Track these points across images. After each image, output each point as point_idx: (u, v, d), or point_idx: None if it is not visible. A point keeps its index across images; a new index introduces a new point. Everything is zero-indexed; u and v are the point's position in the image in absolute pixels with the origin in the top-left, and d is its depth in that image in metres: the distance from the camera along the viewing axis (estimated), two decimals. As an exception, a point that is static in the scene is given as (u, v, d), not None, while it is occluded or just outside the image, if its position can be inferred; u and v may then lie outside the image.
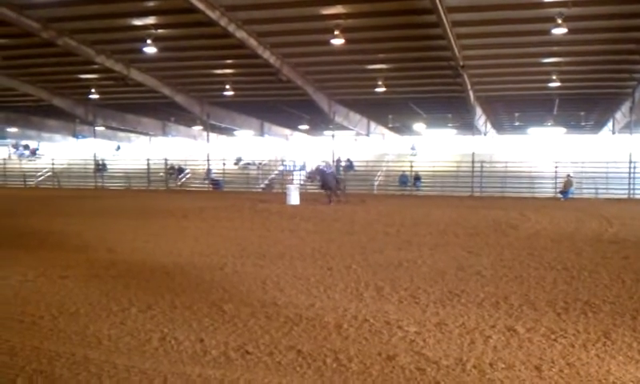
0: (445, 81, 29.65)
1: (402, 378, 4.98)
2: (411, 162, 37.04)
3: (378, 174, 38.07)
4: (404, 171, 36.22)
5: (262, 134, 48.90)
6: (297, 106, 37.73)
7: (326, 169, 24.44)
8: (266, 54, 26.86)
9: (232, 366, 5.26)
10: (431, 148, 43.42)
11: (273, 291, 8.05)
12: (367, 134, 45.65)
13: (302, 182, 34.90)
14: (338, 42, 23.81)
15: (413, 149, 42.34)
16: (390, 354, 5.51)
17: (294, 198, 24.14)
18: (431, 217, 18.67)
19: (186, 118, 43.83)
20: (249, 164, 42.41)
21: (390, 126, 46.17)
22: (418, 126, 44.35)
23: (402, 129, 46.81)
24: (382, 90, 31.80)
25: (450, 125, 43.23)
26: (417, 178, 35.49)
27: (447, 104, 36.80)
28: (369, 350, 5.62)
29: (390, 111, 41.14)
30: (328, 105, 35.51)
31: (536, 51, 25.76)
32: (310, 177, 24.87)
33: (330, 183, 23.99)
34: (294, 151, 45.99)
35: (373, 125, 45.41)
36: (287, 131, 51.40)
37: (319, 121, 40.83)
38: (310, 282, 8.70)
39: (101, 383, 4.87)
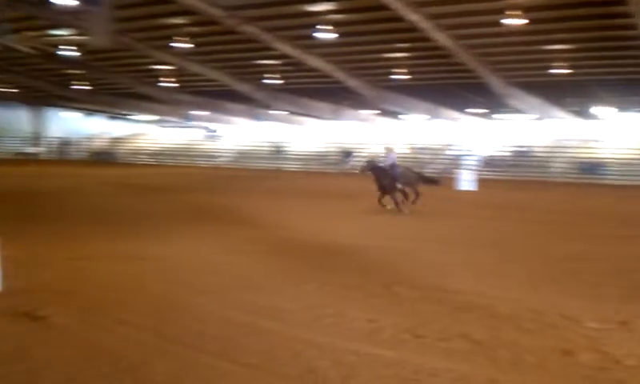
0: (632, 61, 27.33)
1: (581, 375, 4.75)
2: (594, 148, 34.64)
3: (557, 160, 36.04)
4: (586, 158, 33.99)
5: (431, 117, 48.31)
6: (469, 88, 36.73)
7: (386, 161, 16.59)
8: (438, 36, 26.43)
9: (403, 347, 5.33)
10: (618, 133, 40.24)
11: (444, 277, 8.00)
12: (544, 118, 43.30)
13: (475, 168, 34.04)
14: (513, 22, 22.82)
15: (594, 134, 39.46)
16: (567, 349, 5.26)
17: (466, 184, 23.65)
18: (616, 207, 17.43)
19: (357, 101, 44.48)
20: (422, 149, 42.17)
21: (570, 109, 43.36)
22: (603, 109, 41.21)
23: (583, 112, 43.76)
24: (561, 71, 30.01)
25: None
26: (601, 165, 33.13)
27: (636, 86, 33.81)
28: (544, 344, 5.41)
29: (569, 94, 38.65)
30: (502, 87, 34.16)
31: None
32: (362, 171, 17.15)
33: (385, 182, 16.40)
34: (464, 135, 44.89)
35: (550, 108, 42.94)
36: (457, 114, 50.25)
37: (493, 104, 39.41)
38: (483, 270, 8.54)
39: (277, 353, 5.17)
